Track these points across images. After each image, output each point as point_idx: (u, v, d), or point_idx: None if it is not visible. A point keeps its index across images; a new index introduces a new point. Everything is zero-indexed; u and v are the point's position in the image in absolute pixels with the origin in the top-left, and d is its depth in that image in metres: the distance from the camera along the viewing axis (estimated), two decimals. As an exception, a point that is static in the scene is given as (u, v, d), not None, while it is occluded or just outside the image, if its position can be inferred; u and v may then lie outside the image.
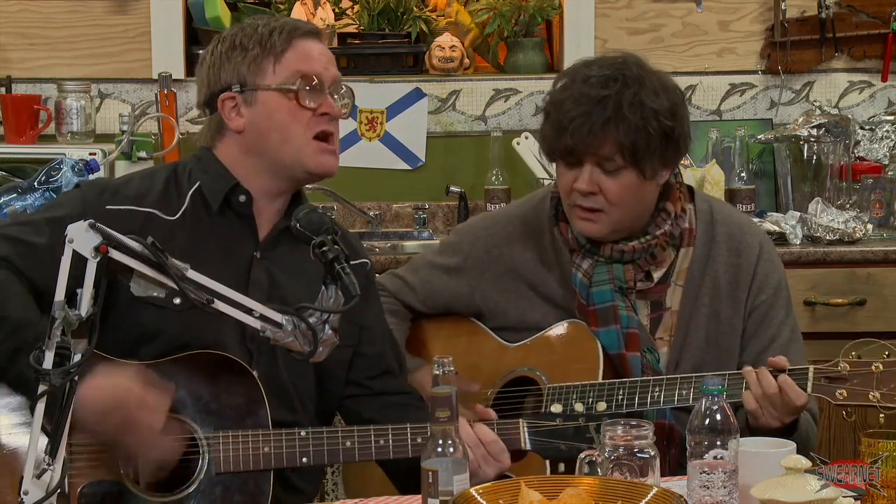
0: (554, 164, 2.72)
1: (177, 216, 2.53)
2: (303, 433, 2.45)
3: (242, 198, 2.55)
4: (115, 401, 2.28)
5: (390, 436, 2.47)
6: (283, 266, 2.57)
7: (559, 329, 2.74)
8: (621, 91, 2.58)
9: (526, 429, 2.50)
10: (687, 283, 2.73)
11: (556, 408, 2.60)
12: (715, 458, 2.06)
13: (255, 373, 2.44)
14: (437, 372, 2.09)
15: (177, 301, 2.35)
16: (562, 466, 2.48)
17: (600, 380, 2.66)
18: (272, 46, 2.53)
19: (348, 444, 2.46)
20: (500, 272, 2.81)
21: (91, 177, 3.65)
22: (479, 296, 2.82)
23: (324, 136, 2.54)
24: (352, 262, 2.46)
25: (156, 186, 2.57)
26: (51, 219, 2.47)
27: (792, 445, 2.22)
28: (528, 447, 2.51)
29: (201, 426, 2.42)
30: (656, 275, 2.73)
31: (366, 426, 2.49)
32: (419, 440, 2.45)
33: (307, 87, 2.52)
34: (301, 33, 2.56)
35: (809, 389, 2.50)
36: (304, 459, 2.45)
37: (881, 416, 2.43)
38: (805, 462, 2.05)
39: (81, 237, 2.01)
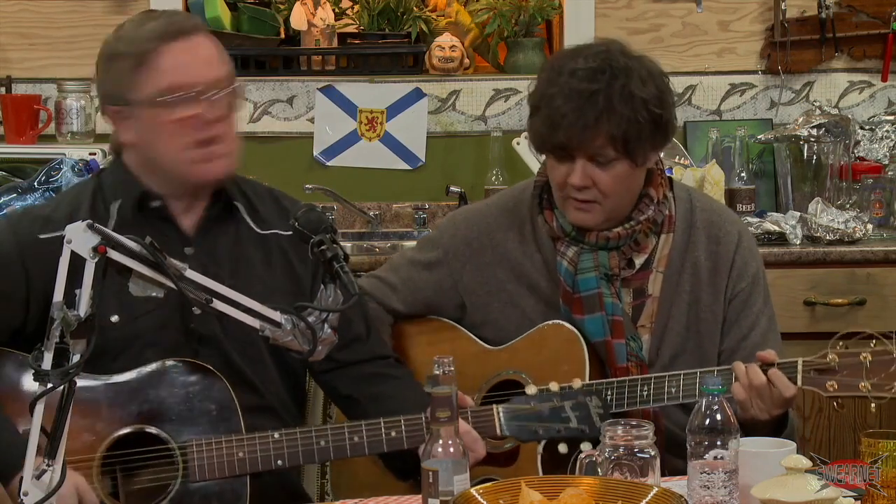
0: (543, 156, 2.72)
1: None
2: (276, 435, 2.45)
3: (156, 203, 2.54)
4: None
5: (364, 432, 2.46)
6: (217, 257, 2.56)
7: (543, 330, 2.73)
8: (610, 83, 2.57)
9: (501, 414, 2.50)
10: (667, 269, 2.73)
11: (531, 389, 2.59)
12: (715, 458, 2.06)
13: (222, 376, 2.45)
14: (437, 372, 2.09)
15: (114, 319, 2.38)
16: (539, 459, 2.49)
17: (587, 381, 2.66)
18: (142, 58, 2.45)
19: (322, 443, 2.46)
20: (482, 263, 2.80)
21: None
22: (462, 288, 2.81)
23: (207, 142, 2.49)
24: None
25: (84, 203, 2.55)
26: None
27: (792, 445, 2.22)
28: (505, 432, 2.50)
29: (174, 436, 2.42)
30: (638, 261, 2.73)
31: (339, 424, 2.49)
32: (393, 434, 2.45)
33: (180, 98, 2.44)
34: (168, 37, 2.46)
35: (799, 382, 2.49)
36: (280, 462, 2.44)
37: (872, 405, 2.42)
38: (805, 462, 2.05)
39: (80, 237, 2.00)
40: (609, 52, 2.62)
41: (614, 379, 2.64)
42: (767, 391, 2.49)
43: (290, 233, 2.39)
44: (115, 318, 2.45)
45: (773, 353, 2.54)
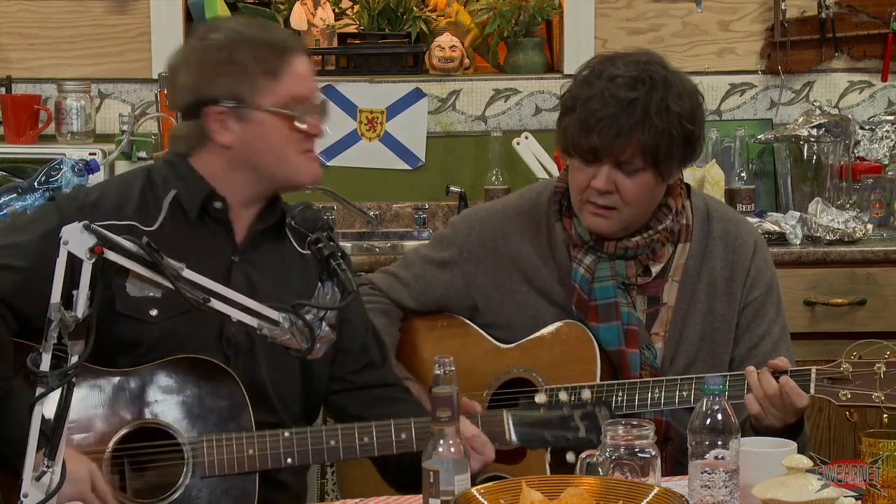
0: (568, 158, 2.70)
1: (155, 226, 2.50)
2: (286, 434, 2.45)
3: (218, 204, 2.55)
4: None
5: (374, 433, 2.47)
6: (261, 269, 2.57)
7: (555, 329, 2.73)
8: (649, 94, 2.58)
9: (511, 420, 2.51)
10: (683, 278, 2.73)
11: (540, 398, 2.59)
12: (716, 457, 2.06)
13: (234, 374, 2.45)
14: (438, 372, 2.09)
15: (153, 313, 2.39)
16: (548, 457, 2.49)
17: (598, 381, 2.66)
18: (269, 66, 2.51)
19: (332, 443, 2.46)
20: (496, 265, 2.80)
21: (90, 178, 3.64)
22: (474, 289, 2.81)
23: (311, 149, 2.58)
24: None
25: (133, 195, 2.55)
26: (31, 239, 2.46)
27: (792, 445, 2.22)
28: (514, 439, 2.51)
29: (184, 431, 2.42)
30: (654, 269, 2.74)
31: (349, 424, 2.50)
32: (403, 436, 2.46)
33: (301, 110, 2.53)
34: (293, 51, 2.55)
35: (812, 391, 2.50)
36: (289, 460, 2.45)
37: (885, 416, 2.42)
38: (806, 462, 2.05)
39: (76, 239, 2.00)
40: (649, 63, 2.62)
41: (626, 380, 2.64)
42: (779, 399, 2.49)
43: None
44: (154, 313, 2.45)
45: (785, 361, 2.54)
